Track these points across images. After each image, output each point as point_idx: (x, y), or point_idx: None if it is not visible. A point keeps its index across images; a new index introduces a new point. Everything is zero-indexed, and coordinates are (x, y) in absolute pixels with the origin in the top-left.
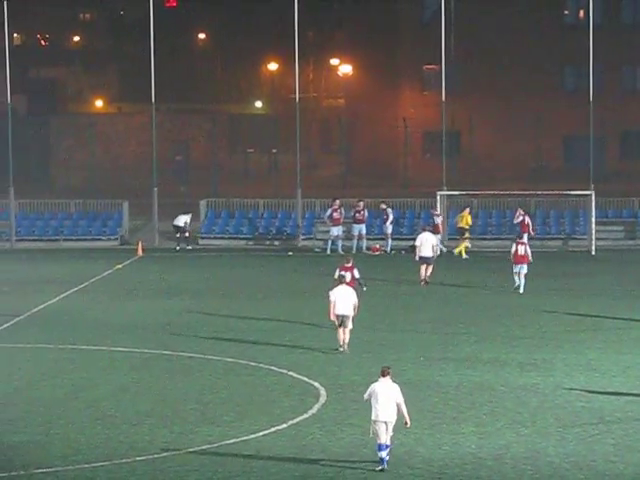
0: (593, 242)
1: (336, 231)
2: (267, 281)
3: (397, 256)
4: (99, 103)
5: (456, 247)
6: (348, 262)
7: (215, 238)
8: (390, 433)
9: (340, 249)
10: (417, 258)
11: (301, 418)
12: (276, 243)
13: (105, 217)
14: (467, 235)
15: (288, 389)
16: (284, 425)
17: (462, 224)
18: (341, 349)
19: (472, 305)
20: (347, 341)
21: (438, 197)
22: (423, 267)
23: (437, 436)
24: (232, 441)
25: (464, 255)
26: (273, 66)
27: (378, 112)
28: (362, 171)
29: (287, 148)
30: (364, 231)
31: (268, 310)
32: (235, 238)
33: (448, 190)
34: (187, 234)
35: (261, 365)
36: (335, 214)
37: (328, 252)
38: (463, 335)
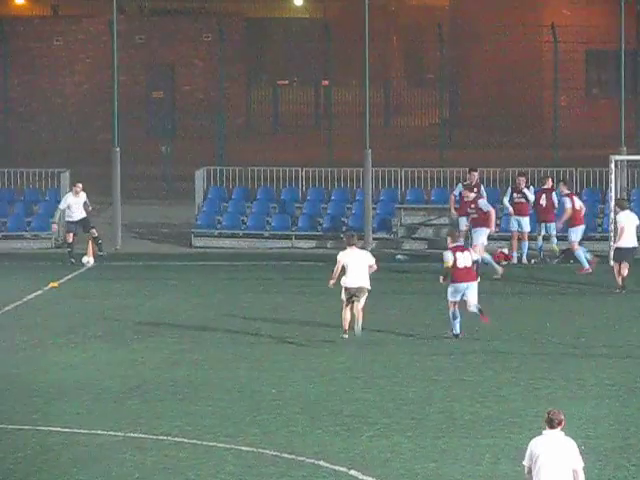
0: None
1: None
2: (306, 314)
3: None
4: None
5: None
6: (454, 240)
7: (220, 237)
8: None
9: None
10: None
11: None
12: (328, 244)
13: (30, 199)
14: None
15: None
16: None
17: None
18: (345, 336)
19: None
20: (360, 323)
21: (612, 164)
22: (617, 265)
23: None
24: None
25: None
26: None
27: (507, 16)
28: (478, 119)
29: (347, 79)
30: (527, 228)
31: (311, 364)
32: (255, 236)
33: (629, 153)
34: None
35: (301, 458)
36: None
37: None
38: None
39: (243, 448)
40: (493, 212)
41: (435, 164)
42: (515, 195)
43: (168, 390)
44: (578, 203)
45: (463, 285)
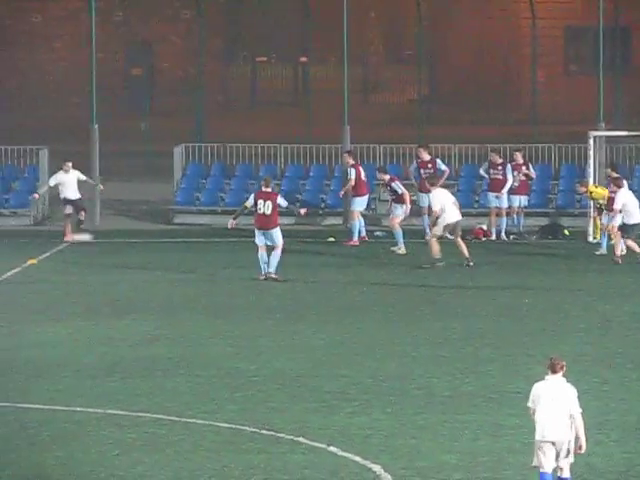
0: None
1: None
2: (287, 291)
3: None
4: None
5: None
6: (267, 186)
7: (200, 213)
8: (569, 459)
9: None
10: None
11: None
12: (306, 221)
13: (8, 176)
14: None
15: (328, 478)
16: None
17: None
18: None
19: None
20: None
21: (591, 140)
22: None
23: None
24: None
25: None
26: None
27: None
28: (456, 96)
29: (326, 55)
30: (505, 203)
31: (290, 341)
32: (233, 213)
33: (608, 129)
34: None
35: (281, 435)
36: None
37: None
38: None
39: (222, 424)
40: (407, 194)
41: (414, 140)
42: (492, 171)
43: (147, 367)
44: (363, 173)
45: (261, 231)
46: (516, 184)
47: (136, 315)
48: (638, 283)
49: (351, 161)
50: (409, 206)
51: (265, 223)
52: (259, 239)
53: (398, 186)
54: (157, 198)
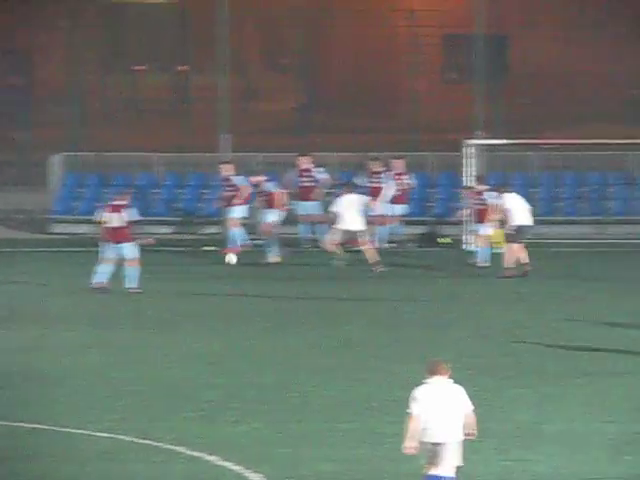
0: None
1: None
2: (164, 301)
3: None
4: None
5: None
6: (121, 199)
7: (77, 222)
8: (455, 462)
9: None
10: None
11: None
12: (183, 230)
13: None
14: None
15: None
16: None
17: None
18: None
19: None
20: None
21: (465, 149)
22: (516, 247)
23: None
24: None
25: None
26: None
27: (364, 0)
28: (336, 104)
29: (205, 64)
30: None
31: (168, 350)
32: None
33: (485, 137)
34: None
35: (160, 444)
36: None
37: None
38: None
39: (100, 434)
40: (279, 197)
41: (294, 149)
42: (370, 179)
43: (24, 376)
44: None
45: (111, 244)
46: (397, 193)
47: (12, 325)
48: (516, 291)
49: (232, 171)
50: (281, 211)
51: (113, 236)
52: (107, 252)
53: (272, 186)
54: (35, 208)
